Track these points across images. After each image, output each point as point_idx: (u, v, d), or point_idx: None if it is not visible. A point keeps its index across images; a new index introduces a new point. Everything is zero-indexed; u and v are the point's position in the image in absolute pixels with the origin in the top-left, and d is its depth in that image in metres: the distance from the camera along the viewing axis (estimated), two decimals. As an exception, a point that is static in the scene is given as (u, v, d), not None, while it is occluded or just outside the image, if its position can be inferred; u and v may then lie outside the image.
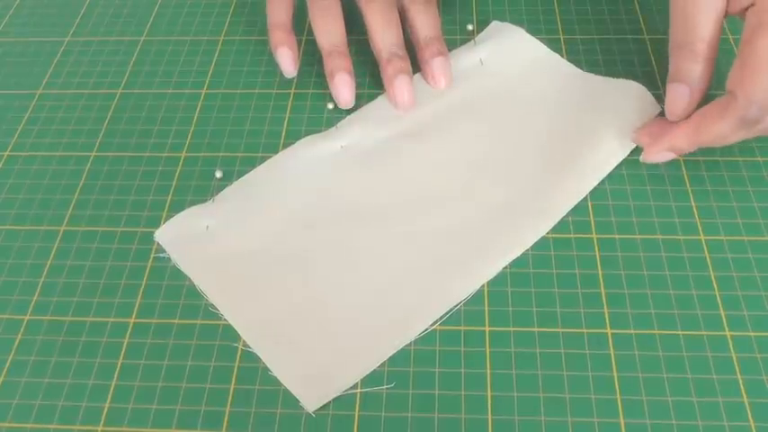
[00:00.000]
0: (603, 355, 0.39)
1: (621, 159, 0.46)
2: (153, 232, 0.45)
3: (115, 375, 0.40)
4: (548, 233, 0.43)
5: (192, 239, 0.44)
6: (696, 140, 0.42)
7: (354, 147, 0.47)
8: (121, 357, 0.40)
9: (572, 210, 0.44)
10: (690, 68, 0.43)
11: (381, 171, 0.46)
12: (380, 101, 0.49)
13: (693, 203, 0.44)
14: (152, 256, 0.44)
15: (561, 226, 0.44)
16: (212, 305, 0.41)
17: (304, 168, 0.46)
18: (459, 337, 0.40)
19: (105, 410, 0.38)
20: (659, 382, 0.38)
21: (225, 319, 0.41)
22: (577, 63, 0.51)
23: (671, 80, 0.44)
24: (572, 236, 0.43)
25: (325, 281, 0.41)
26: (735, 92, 0.40)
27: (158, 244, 0.44)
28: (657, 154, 0.44)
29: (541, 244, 0.43)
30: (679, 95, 0.43)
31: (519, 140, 0.47)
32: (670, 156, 0.44)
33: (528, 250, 0.43)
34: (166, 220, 0.45)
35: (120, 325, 0.41)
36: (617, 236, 0.43)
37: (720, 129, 0.41)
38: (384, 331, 0.40)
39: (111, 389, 0.39)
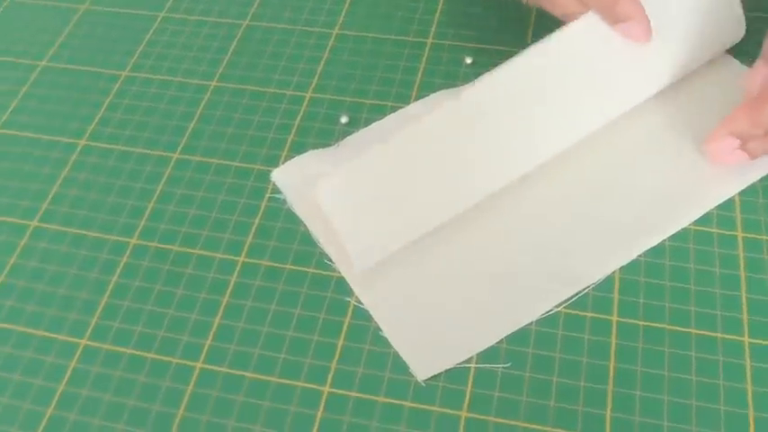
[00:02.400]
0: (738, 365, 0.36)
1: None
2: (270, 171, 0.43)
3: (219, 313, 0.39)
4: (689, 224, 0.41)
5: (312, 184, 0.42)
6: (755, 119, 0.40)
7: (490, 108, 0.45)
8: (227, 296, 0.39)
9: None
10: None
11: (517, 138, 0.44)
12: (518, 63, 0.47)
13: None
14: (267, 195, 0.43)
15: (704, 218, 0.41)
16: (327, 255, 0.40)
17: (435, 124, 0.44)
18: (584, 323, 0.38)
19: (206, 348, 0.38)
20: (801, 402, 0.35)
21: (339, 272, 0.40)
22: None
23: (760, 59, 0.42)
24: (714, 231, 0.40)
25: (449, 245, 0.40)
26: None
27: (275, 184, 0.43)
28: (720, 142, 0.41)
29: (681, 235, 0.40)
30: (759, 74, 0.41)
31: (673, 123, 0.44)
32: (734, 143, 0.41)
33: (665, 240, 0.40)
34: (286, 160, 0.44)
35: (228, 262, 0.40)
36: (766, 237, 0.40)
37: None
38: (506, 307, 0.38)
39: (214, 326, 0.38)
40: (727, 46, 0.45)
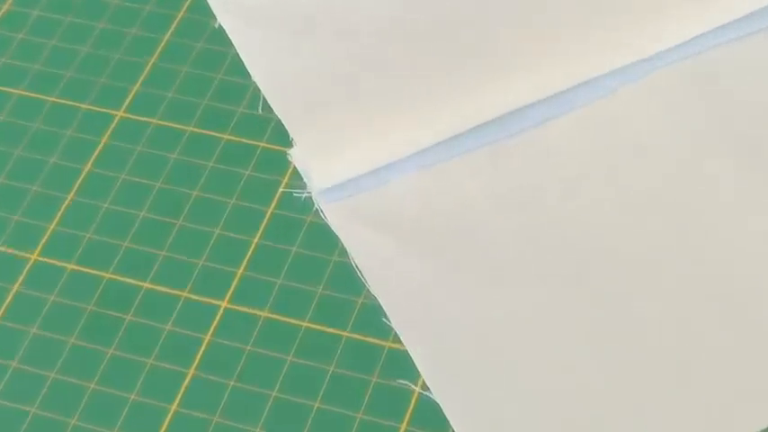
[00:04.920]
0: None
1: None
2: (287, 151, 0.32)
3: (177, 397, 0.27)
4: None
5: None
6: None
7: None
8: (193, 367, 0.28)
9: None
10: None
11: None
12: None
13: None
14: (279, 191, 0.32)
15: None
16: (381, 309, 0.28)
17: None
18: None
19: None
20: None
21: (398, 339, 0.28)
22: None
23: None
24: None
25: (577, 321, 0.29)
26: None
27: (295, 169, 0.33)
28: None
29: None
30: None
31: None
32: None
33: None
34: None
35: (201, 309, 0.30)
36: None
37: None
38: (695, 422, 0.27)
39: (168, 417, 0.27)
40: None
